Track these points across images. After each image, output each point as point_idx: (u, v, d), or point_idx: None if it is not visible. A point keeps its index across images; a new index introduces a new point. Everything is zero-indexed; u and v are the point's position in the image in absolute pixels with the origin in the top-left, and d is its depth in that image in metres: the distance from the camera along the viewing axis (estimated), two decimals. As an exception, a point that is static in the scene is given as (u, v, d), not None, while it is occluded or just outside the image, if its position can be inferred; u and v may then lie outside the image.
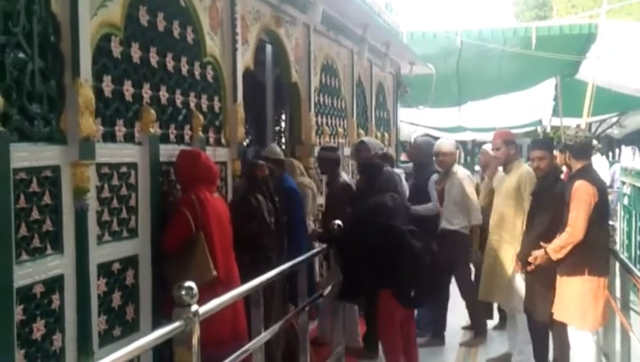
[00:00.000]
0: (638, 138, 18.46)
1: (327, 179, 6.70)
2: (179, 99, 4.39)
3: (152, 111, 3.97)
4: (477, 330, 6.58)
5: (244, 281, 3.83)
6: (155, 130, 4.03)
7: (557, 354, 5.10)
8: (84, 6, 3.33)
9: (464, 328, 6.79)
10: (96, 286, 3.49)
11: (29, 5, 3.03)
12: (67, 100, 3.26)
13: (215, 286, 3.80)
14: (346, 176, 6.52)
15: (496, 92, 15.52)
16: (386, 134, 10.48)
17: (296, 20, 6.53)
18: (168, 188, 4.24)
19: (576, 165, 4.81)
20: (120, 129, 3.74)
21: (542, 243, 4.85)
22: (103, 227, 3.59)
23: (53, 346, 3.17)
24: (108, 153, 3.61)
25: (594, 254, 4.62)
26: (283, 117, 9.44)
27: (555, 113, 16.13)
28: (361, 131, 8.82)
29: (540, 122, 17.97)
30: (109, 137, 3.65)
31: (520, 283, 5.31)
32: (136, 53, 3.88)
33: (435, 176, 6.56)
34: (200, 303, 2.74)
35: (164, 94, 4.20)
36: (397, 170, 6.70)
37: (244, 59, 5.35)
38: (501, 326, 6.84)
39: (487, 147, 6.64)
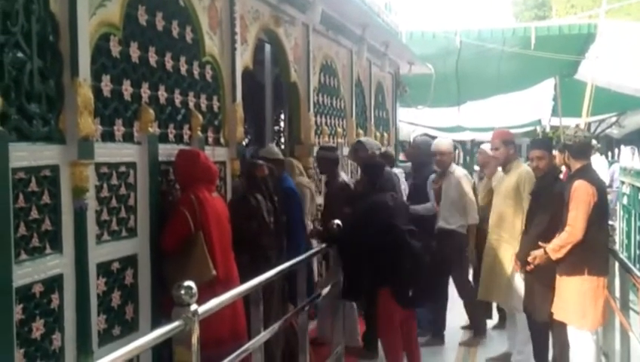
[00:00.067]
0: (638, 138, 18.47)
1: (325, 178, 6.70)
2: (178, 99, 4.38)
3: (151, 111, 3.97)
4: (476, 330, 6.58)
5: (243, 281, 3.82)
6: (153, 129, 4.03)
7: (556, 353, 5.10)
8: (83, 5, 3.33)
9: (463, 327, 6.79)
10: (96, 285, 3.49)
11: (27, 5, 3.03)
12: (66, 100, 3.25)
13: (214, 286, 3.79)
14: (344, 176, 6.52)
15: (496, 92, 15.53)
16: (385, 134, 10.48)
17: (295, 20, 6.54)
18: (167, 187, 4.24)
19: (576, 165, 4.81)
20: (119, 128, 3.74)
21: (540, 243, 4.85)
22: (102, 226, 3.58)
23: (52, 345, 3.17)
24: (107, 153, 3.61)
25: (593, 254, 4.62)
26: (282, 116, 9.44)
27: (554, 113, 16.14)
28: (360, 131, 8.82)
29: (539, 122, 17.97)
30: (108, 137, 3.65)
31: (519, 282, 5.31)
32: (135, 52, 3.88)
33: (433, 176, 6.57)
34: (199, 303, 2.73)
35: (162, 94, 4.19)
36: (397, 170, 6.70)
37: (243, 58, 5.34)
38: (500, 325, 6.84)
39: (486, 147, 6.63)
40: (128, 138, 3.82)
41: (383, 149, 7.57)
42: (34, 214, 3.06)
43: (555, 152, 7.07)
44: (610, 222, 4.97)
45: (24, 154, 2.98)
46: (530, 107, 16.92)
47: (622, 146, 14.78)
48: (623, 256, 5.56)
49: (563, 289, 4.71)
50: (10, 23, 2.92)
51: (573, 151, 4.82)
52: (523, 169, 5.59)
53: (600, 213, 4.67)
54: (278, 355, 4.74)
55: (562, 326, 4.80)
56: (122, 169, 3.78)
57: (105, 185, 3.62)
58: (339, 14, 7.57)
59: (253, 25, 5.60)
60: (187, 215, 3.96)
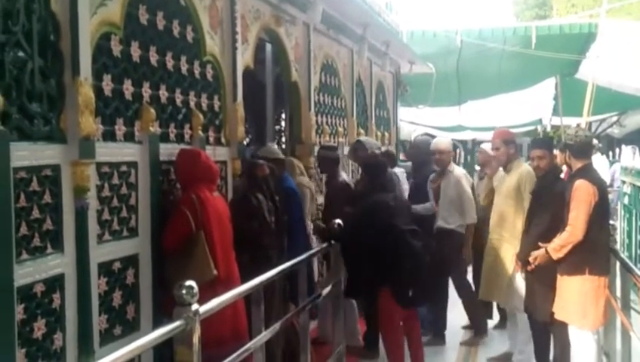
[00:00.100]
0: (638, 137, 18.45)
1: (326, 178, 6.70)
2: (179, 98, 4.38)
3: (152, 110, 3.97)
4: (476, 329, 6.58)
5: (244, 280, 3.82)
6: (155, 129, 4.03)
7: (557, 353, 5.10)
8: (84, 5, 3.33)
9: (464, 327, 6.79)
10: (97, 285, 3.49)
11: (28, 4, 3.02)
12: (67, 99, 3.25)
13: (215, 286, 3.79)
14: (345, 176, 6.52)
15: (496, 91, 15.52)
16: (386, 133, 10.48)
17: (296, 19, 6.53)
18: (168, 187, 4.24)
19: (577, 164, 4.81)
20: (120, 128, 3.74)
21: (540, 244, 4.84)
22: (103, 226, 3.58)
23: (53, 345, 3.17)
24: (108, 152, 3.61)
25: (594, 253, 4.61)
26: (283, 116, 9.44)
27: (555, 112, 16.12)
28: (361, 130, 8.82)
29: (540, 121, 17.96)
30: (109, 136, 3.65)
31: (520, 282, 5.31)
32: (136, 52, 3.88)
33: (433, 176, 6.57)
34: (200, 302, 2.73)
35: (164, 93, 4.19)
36: (398, 170, 6.69)
37: (244, 58, 5.34)
38: (501, 325, 6.84)
39: (486, 146, 6.63)
40: (129, 137, 3.82)
41: (384, 149, 7.57)
42: (35, 214, 3.06)
43: (556, 152, 7.06)
44: (611, 222, 4.96)
45: (25, 154, 2.98)
46: (531, 106, 16.91)
47: (623, 146, 14.77)
48: (623, 255, 5.56)
49: (564, 289, 4.70)
50: (11, 22, 2.92)
51: (574, 151, 4.81)
52: (524, 168, 5.59)
53: (601, 213, 4.66)
54: (279, 355, 4.73)
55: (563, 325, 4.79)
56: (123, 168, 3.78)
57: (106, 185, 3.62)
58: (340, 14, 7.57)
59: (254, 24, 5.60)
60: (188, 214, 3.96)
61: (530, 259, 4.88)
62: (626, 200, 9.72)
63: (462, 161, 19.61)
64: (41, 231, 3.09)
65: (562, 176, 6.18)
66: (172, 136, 4.31)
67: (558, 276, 4.75)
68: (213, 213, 4.08)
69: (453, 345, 6.46)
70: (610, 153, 18.38)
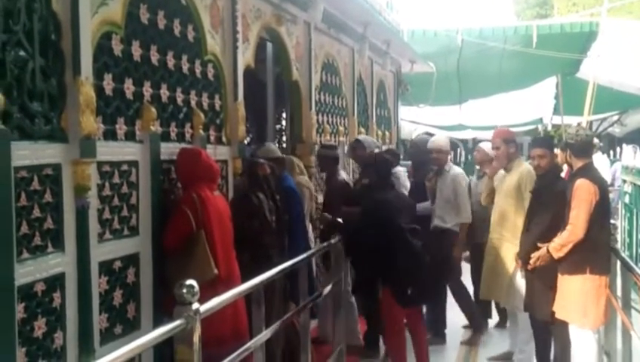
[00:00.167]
0: (639, 136, 18.46)
1: (325, 177, 6.70)
2: (180, 98, 4.38)
3: (153, 110, 3.97)
4: (475, 328, 6.57)
5: (244, 280, 3.82)
6: (155, 128, 4.03)
7: (558, 352, 5.10)
8: (85, 4, 3.33)
9: (465, 327, 6.79)
10: (98, 284, 3.49)
11: (29, 3, 3.02)
12: (68, 98, 3.25)
13: (216, 285, 3.79)
14: (344, 175, 6.52)
15: (497, 90, 15.51)
16: (386, 132, 10.48)
17: (296, 18, 6.53)
18: (169, 186, 4.24)
19: (578, 163, 4.81)
20: (121, 127, 3.74)
21: (539, 244, 4.84)
22: (104, 225, 3.58)
23: (54, 344, 3.17)
24: (109, 151, 3.61)
25: (595, 253, 4.61)
26: (284, 115, 9.45)
27: (555, 111, 16.12)
28: (362, 129, 8.82)
29: (540, 120, 17.97)
30: (110, 135, 3.65)
31: (521, 281, 5.31)
32: (137, 51, 3.88)
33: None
34: (201, 301, 2.73)
35: (164, 92, 4.19)
36: (400, 168, 6.69)
37: (245, 57, 5.34)
38: (501, 324, 6.86)
39: (484, 145, 6.63)
40: (130, 136, 3.82)
41: (387, 147, 7.57)
42: (36, 213, 3.06)
43: (557, 151, 7.06)
44: (612, 221, 4.96)
45: (26, 153, 2.98)
46: (531, 105, 16.92)
47: (624, 145, 14.79)
48: (624, 254, 5.57)
49: (565, 288, 4.70)
50: (12, 21, 2.92)
51: (575, 150, 4.81)
52: (524, 168, 5.59)
53: (602, 212, 4.66)
54: (279, 354, 4.74)
55: (564, 325, 4.79)
56: (124, 167, 3.78)
57: (107, 184, 3.62)
58: (340, 13, 7.57)
59: (254, 23, 5.60)
60: (189, 213, 3.96)
61: (532, 261, 4.88)
62: (626, 200, 9.72)
63: (462, 159, 19.64)
64: (41, 230, 3.09)
65: (563, 175, 6.19)
66: (173, 135, 4.31)
67: (559, 275, 4.75)
68: (214, 212, 4.08)
69: (454, 344, 6.47)
70: (611, 152, 18.41)
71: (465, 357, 6.22)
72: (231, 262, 4.22)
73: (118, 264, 3.70)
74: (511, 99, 16.45)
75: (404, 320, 5.17)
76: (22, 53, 2.98)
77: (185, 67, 4.44)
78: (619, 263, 4.79)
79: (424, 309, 6.21)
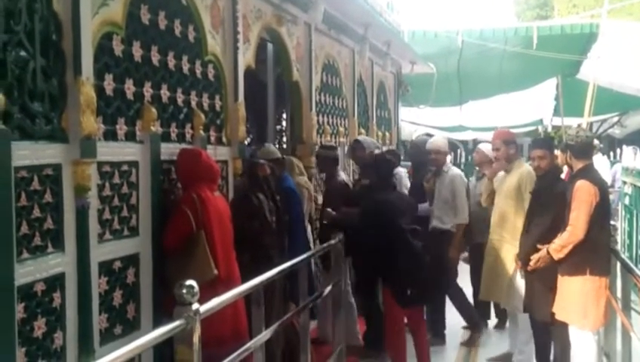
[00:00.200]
0: (639, 138, 18.45)
1: (325, 177, 6.70)
2: (180, 98, 4.39)
3: (154, 110, 3.97)
4: (473, 328, 6.56)
5: (244, 280, 3.82)
6: (156, 128, 4.03)
7: (558, 353, 5.10)
8: (86, 4, 3.33)
9: (464, 327, 6.79)
10: (97, 284, 3.49)
11: (30, 4, 3.03)
12: (69, 99, 3.25)
13: (216, 285, 3.79)
14: (344, 176, 6.53)
15: (498, 91, 15.52)
16: (387, 133, 10.48)
17: (297, 19, 6.53)
18: (169, 186, 4.24)
19: (578, 165, 4.81)
20: (121, 127, 3.74)
21: (539, 246, 4.84)
22: (104, 225, 3.59)
23: (54, 344, 3.17)
24: (109, 151, 3.61)
25: (595, 254, 4.61)
26: (284, 116, 9.45)
27: (556, 113, 16.12)
28: (362, 130, 8.82)
29: (541, 122, 17.97)
30: (111, 136, 3.65)
31: (520, 282, 5.31)
32: (137, 51, 3.88)
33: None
34: (201, 302, 2.73)
35: (165, 93, 4.20)
36: (401, 169, 6.69)
37: (246, 57, 5.34)
38: (500, 325, 6.86)
39: (483, 146, 6.63)
40: (131, 137, 3.82)
41: (387, 148, 7.57)
42: (36, 213, 3.06)
43: (557, 152, 7.06)
44: (612, 222, 4.97)
45: (27, 153, 2.98)
46: (532, 107, 16.92)
47: (624, 146, 14.78)
48: (624, 256, 5.56)
49: (565, 290, 4.70)
50: (13, 21, 2.92)
51: (575, 151, 4.81)
52: (524, 169, 5.59)
53: (602, 213, 4.66)
54: (279, 354, 4.74)
55: (564, 326, 4.79)
56: (124, 168, 3.78)
57: (107, 184, 3.62)
58: (341, 13, 7.57)
59: (255, 24, 5.60)
60: (189, 214, 3.96)
61: (532, 263, 4.87)
62: (626, 201, 9.72)
63: (463, 160, 19.63)
64: (41, 230, 3.09)
65: (563, 176, 6.19)
66: (173, 135, 4.32)
67: (559, 276, 4.75)
68: (214, 213, 4.08)
69: (454, 344, 6.47)
70: (612, 153, 18.39)
71: (464, 357, 6.22)
72: (231, 262, 4.22)
73: (118, 264, 3.70)
74: (511, 101, 16.45)
75: (405, 321, 5.18)
76: (23, 53, 2.98)
77: (185, 67, 4.44)
78: (619, 264, 4.80)
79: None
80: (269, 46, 7.17)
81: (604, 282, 4.63)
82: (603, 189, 4.71)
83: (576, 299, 4.62)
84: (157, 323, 3.81)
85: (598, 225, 4.63)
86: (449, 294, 6.51)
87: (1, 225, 2.75)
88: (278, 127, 9.84)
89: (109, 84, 3.61)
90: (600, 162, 12.16)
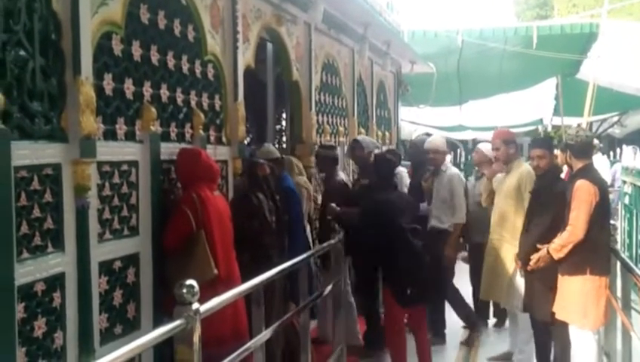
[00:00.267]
0: (639, 137, 18.46)
1: (324, 177, 6.71)
2: (180, 98, 4.38)
3: (153, 110, 3.97)
4: (470, 328, 6.55)
5: (244, 280, 3.82)
6: (155, 128, 4.03)
7: (558, 353, 5.10)
8: (85, 4, 3.33)
9: (464, 327, 6.78)
10: (98, 284, 3.49)
11: (30, 3, 3.02)
12: (68, 98, 3.25)
13: (216, 285, 3.79)
14: (343, 175, 6.53)
15: (497, 91, 15.51)
16: (386, 133, 10.48)
17: (297, 19, 6.53)
18: (169, 186, 4.24)
19: (577, 164, 4.81)
20: (121, 127, 3.74)
21: (539, 246, 4.84)
22: (103, 225, 3.58)
23: (54, 344, 3.17)
24: (109, 151, 3.61)
25: (595, 253, 4.61)
26: (284, 115, 9.45)
27: (556, 112, 16.12)
28: (362, 130, 8.82)
29: (540, 121, 17.97)
30: (110, 135, 3.65)
31: (520, 282, 5.30)
32: (137, 51, 3.88)
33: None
34: (201, 301, 2.73)
35: (165, 92, 4.19)
36: (401, 168, 6.69)
37: (245, 57, 5.34)
38: (499, 325, 6.87)
39: (482, 146, 6.63)
40: (130, 136, 3.82)
41: (387, 148, 7.56)
42: (36, 213, 3.06)
43: (557, 152, 7.06)
44: (611, 222, 4.96)
45: (26, 153, 2.98)
46: (531, 106, 16.92)
47: (624, 146, 14.78)
48: (624, 255, 5.56)
49: (565, 289, 4.70)
50: (12, 21, 2.92)
51: (575, 151, 4.81)
52: (524, 168, 5.59)
53: (602, 213, 4.66)
54: (279, 354, 4.74)
55: (564, 325, 4.79)
56: (124, 167, 3.78)
57: (107, 184, 3.62)
58: (341, 13, 7.57)
59: (255, 24, 5.60)
60: (189, 213, 3.96)
61: (532, 263, 4.87)
62: (626, 200, 9.73)
63: (463, 160, 19.64)
64: (41, 230, 3.09)
65: (563, 176, 6.19)
66: (173, 135, 4.31)
67: (559, 276, 4.75)
68: (214, 213, 4.08)
69: (454, 344, 6.46)
70: (611, 153, 18.40)
71: (465, 357, 6.22)
72: (231, 262, 4.21)
73: (118, 264, 3.70)
74: (511, 100, 16.45)
75: (406, 320, 5.18)
76: (22, 52, 2.98)
77: (185, 67, 4.44)
78: (619, 264, 4.80)
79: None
80: (269, 45, 7.17)
81: (605, 281, 4.63)
82: (603, 189, 4.71)
83: (576, 299, 4.62)
84: (157, 322, 3.81)
85: (598, 225, 4.63)
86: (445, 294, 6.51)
87: (1, 225, 2.75)
88: (278, 126, 9.84)
89: (108, 84, 3.61)
90: (600, 162, 12.16)
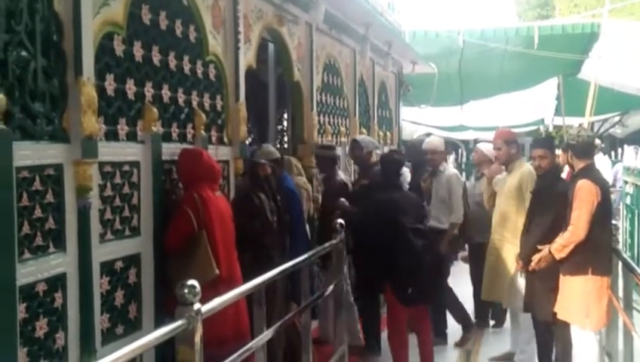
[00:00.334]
0: (641, 137, 18.46)
1: (323, 177, 6.71)
2: (181, 98, 4.39)
3: (155, 110, 3.97)
4: (464, 328, 6.52)
5: (246, 280, 3.82)
6: (157, 128, 4.03)
7: (559, 353, 5.10)
8: (87, 5, 3.33)
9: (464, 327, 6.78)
10: (99, 284, 3.50)
11: (31, 4, 3.03)
12: (70, 99, 3.26)
13: (217, 285, 3.79)
14: (343, 175, 6.52)
15: (499, 91, 15.52)
16: (388, 133, 10.47)
17: (298, 19, 6.53)
18: (171, 186, 4.24)
19: (579, 164, 4.80)
20: (122, 127, 3.74)
21: (539, 246, 4.83)
22: (105, 225, 3.59)
23: (55, 344, 3.17)
24: (110, 151, 3.61)
25: (597, 253, 4.61)
26: (285, 116, 9.44)
27: (557, 112, 16.13)
28: (364, 130, 8.81)
29: (542, 121, 17.97)
30: (112, 136, 3.65)
31: (522, 282, 5.30)
32: (138, 51, 3.88)
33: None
34: (202, 302, 2.73)
35: (166, 93, 4.20)
36: (405, 168, 6.69)
37: (247, 57, 5.35)
38: (498, 325, 6.86)
39: (482, 146, 6.63)
40: (132, 137, 3.82)
41: (389, 148, 7.56)
42: (38, 213, 3.06)
43: (558, 152, 7.06)
44: (613, 222, 4.96)
45: (28, 153, 2.98)
46: (533, 106, 16.92)
47: (625, 146, 14.77)
48: (626, 255, 5.56)
49: (566, 289, 4.70)
50: (14, 21, 2.92)
51: (577, 151, 4.81)
52: (525, 168, 5.59)
53: (603, 213, 4.66)
54: (281, 355, 4.74)
55: (565, 325, 4.79)
56: (126, 168, 3.78)
57: (108, 184, 3.62)
58: (342, 13, 7.57)
59: (256, 24, 5.60)
60: (190, 214, 3.96)
61: (534, 263, 4.87)
62: (628, 200, 9.72)
63: (464, 160, 19.63)
64: (43, 231, 3.10)
65: (564, 176, 6.18)
66: (174, 135, 4.32)
67: (561, 276, 4.74)
68: (216, 213, 4.08)
69: (455, 344, 6.46)
70: (613, 153, 18.38)
71: (466, 357, 6.21)
72: (232, 262, 4.22)
73: (119, 264, 3.70)
74: (512, 100, 16.45)
75: (408, 320, 5.18)
76: (24, 53, 2.99)
77: (186, 68, 4.45)
78: (620, 264, 4.79)
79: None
80: (270, 46, 7.17)
81: (606, 282, 4.63)
82: (604, 189, 4.71)
83: (578, 299, 4.62)
84: (158, 323, 3.80)
85: (600, 225, 4.63)
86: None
87: (2, 226, 2.75)
88: (279, 127, 9.83)
89: (110, 84, 3.61)
90: (601, 162, 12.15)
